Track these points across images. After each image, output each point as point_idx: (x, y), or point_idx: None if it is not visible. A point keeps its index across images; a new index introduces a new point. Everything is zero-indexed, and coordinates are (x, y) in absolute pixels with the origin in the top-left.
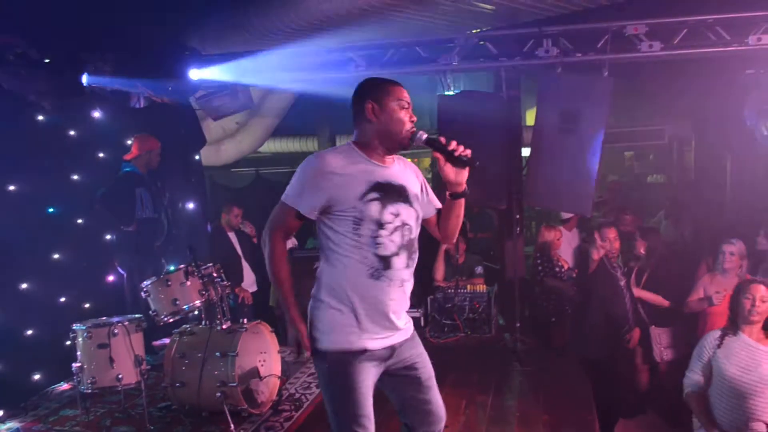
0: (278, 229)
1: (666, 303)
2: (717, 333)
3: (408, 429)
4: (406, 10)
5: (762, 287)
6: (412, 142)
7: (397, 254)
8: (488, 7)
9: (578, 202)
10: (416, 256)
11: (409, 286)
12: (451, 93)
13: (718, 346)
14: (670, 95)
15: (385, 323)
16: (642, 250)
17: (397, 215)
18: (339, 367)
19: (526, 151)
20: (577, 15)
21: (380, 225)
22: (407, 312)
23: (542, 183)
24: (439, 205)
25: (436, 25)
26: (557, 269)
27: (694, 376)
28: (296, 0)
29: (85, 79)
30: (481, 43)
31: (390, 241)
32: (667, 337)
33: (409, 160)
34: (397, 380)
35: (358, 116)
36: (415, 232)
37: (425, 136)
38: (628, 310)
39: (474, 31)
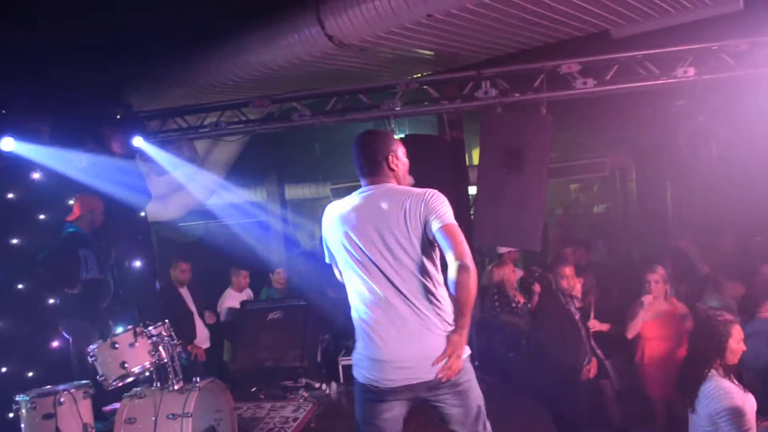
0: None
1: (605, 327)
2: (731, 384)
3: None
4: (346, 59)
5: (738, 326)
6: None
7: None
8: (427, 53)
9: (527, 238)
10: None
11: None
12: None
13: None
14: (610, 128)
15: None
16: (578, 288)
17: None
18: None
19: (473, 190)
20: (512, 57)
21: None
22: None
23: (491, 221)
24: None
25: (377, 72)
26: (513, 305)
27: None
28: (236, 53)
29: (10, 144)
30: (423, 87)
31: None
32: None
33: None
34: None
35: (379, 166)
36: None
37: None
38: (585, 342)
39: (415, 76)
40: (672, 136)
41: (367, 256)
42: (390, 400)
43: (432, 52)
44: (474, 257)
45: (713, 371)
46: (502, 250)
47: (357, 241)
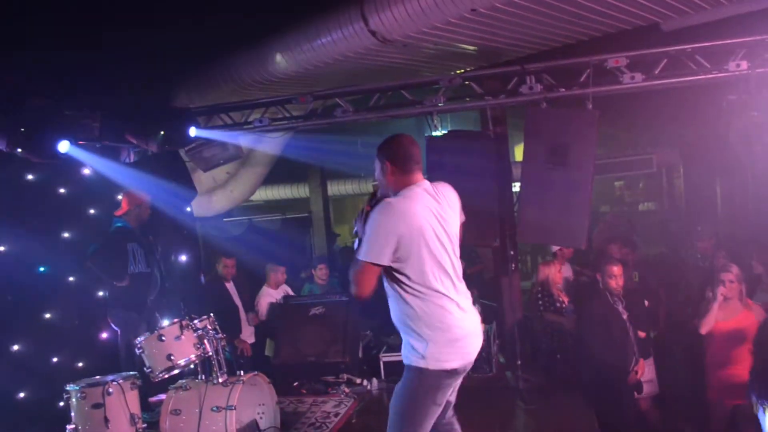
0: None
1: (641, 334)
2: None
3: None
4: (389, 55)
5: None
6: None
7: None
8: (470, 48)
9: (572, 235)
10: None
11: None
12: (438, 133)
13: None
14: (657, 124)
15: None
16: None
17: None
18: None
19: (516, 187)
20: (558, 51)
21: None
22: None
23: (534, 218)
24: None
25: (419, 68)
26: (558, 304)
27: None
28: (279, 50)
29: (66, 146)
30: (466, 83)
31: None
32: (648, 371)
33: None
34: None
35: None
36: None
37: None
38: (634, 343)
39: (458, 71)
40: (723, 131)
41: (444, 243)
42: (454, 381)
43: (475, 47)
44: (517, 256)
45: None
46: (555, 247)
47: (440, 229)
